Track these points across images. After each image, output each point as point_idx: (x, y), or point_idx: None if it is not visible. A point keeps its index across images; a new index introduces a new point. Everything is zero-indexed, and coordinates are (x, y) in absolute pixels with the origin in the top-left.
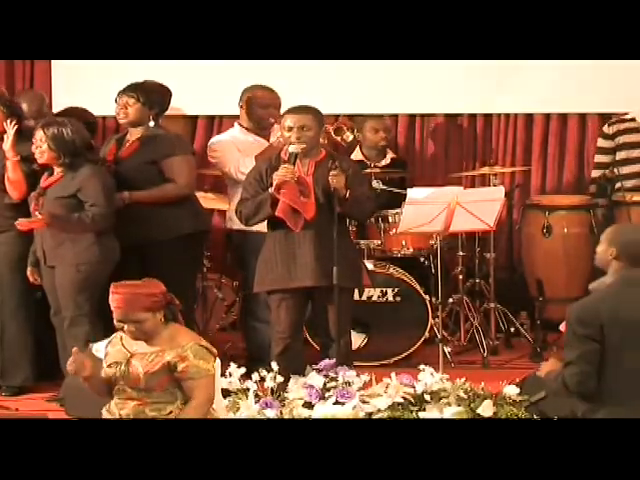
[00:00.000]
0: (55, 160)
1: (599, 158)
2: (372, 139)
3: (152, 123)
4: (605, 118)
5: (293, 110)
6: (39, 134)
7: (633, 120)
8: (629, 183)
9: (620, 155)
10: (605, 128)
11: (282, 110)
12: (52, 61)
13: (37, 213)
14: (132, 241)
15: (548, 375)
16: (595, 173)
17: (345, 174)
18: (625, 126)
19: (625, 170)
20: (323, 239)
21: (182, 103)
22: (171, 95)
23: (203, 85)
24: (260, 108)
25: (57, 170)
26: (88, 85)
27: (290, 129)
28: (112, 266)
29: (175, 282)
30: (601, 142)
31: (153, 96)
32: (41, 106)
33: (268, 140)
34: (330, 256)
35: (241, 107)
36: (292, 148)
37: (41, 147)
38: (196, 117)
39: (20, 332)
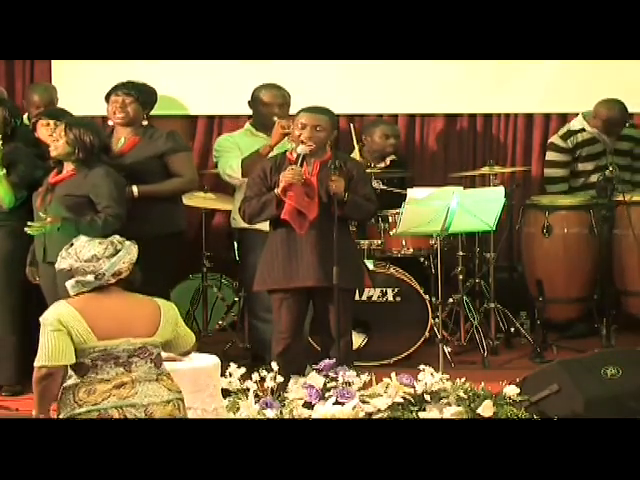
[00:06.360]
0: (69, 156)
1: (552, 172)
2: (381, 144)
3: (145, 122)
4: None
5: (309, 109)
6: (59, 129)
7: (583, 130)
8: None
9: (587, 166)
10: (559, 142)
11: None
12: (52, 61)
13: (42, 214)
14: (129, 236)
15: None
16: (549, 188)
17: (347, 176)
18: (582, 137)
19: (593, 179)
20: (325, 239)
21: (182, 103)
22: (157, 95)
23: (203, 85)
24: (262, 106)
25: (68, 167)
26: (88, 85)
27: (304, 127)
28: None
29: (164, 278)
30: (554, 156)
31: (146, 95)
32: (53, 96)
33: None
34: (332, 256)
35: (249, 106)
36: (300, 149)
37: (57, 142)
38: (196, 117)
39: (4, 331)
